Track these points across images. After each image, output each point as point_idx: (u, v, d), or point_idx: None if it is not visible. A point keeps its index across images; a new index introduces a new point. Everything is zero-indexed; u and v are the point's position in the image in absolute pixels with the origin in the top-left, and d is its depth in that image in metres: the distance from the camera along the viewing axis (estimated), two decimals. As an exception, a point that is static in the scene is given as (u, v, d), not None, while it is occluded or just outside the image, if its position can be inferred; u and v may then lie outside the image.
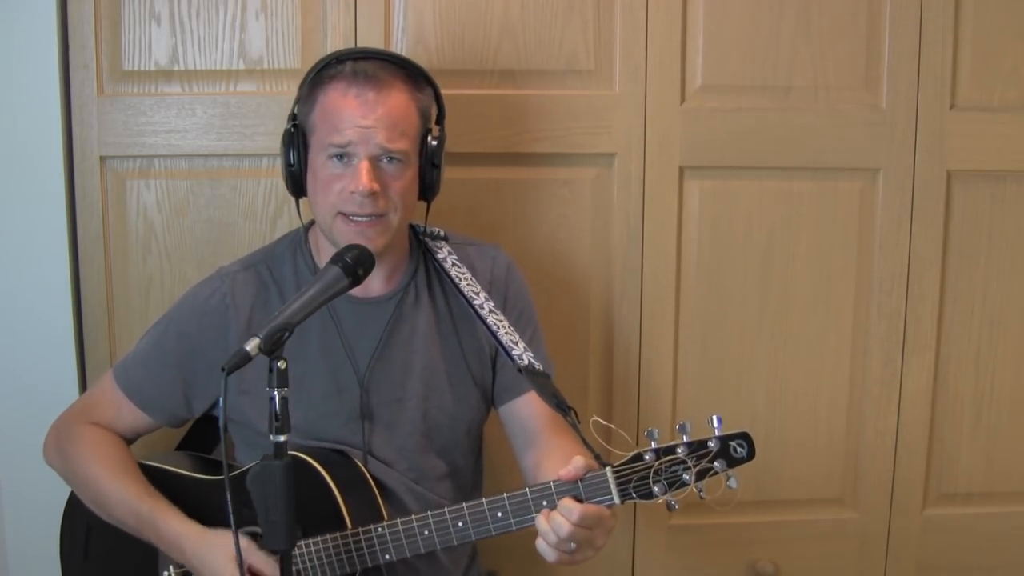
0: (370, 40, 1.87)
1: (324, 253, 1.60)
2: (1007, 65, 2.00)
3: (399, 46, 1.90)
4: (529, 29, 1.92)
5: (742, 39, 1.95)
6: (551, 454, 1.53)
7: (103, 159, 1.89)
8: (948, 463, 2.12)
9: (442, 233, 1.69)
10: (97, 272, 1.91)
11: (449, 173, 1.91)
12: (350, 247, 1.41)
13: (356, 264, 1.38)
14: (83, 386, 1.92)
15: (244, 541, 1.42)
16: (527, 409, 1.64)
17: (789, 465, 2.09)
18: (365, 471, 1.55)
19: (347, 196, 1.49)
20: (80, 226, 1.90)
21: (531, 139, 1.93)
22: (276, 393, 1.26)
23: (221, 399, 1.24)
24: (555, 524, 1.33)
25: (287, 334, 1.28)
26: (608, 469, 1.35)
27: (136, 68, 1.87)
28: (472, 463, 1.71)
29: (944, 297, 2.06)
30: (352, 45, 1.86)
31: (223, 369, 1.24)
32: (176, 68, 1.88)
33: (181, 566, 1.56)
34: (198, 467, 1.64)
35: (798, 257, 2.03)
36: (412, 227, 1.69)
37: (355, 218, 1.50)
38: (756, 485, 2.08)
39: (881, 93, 1.99)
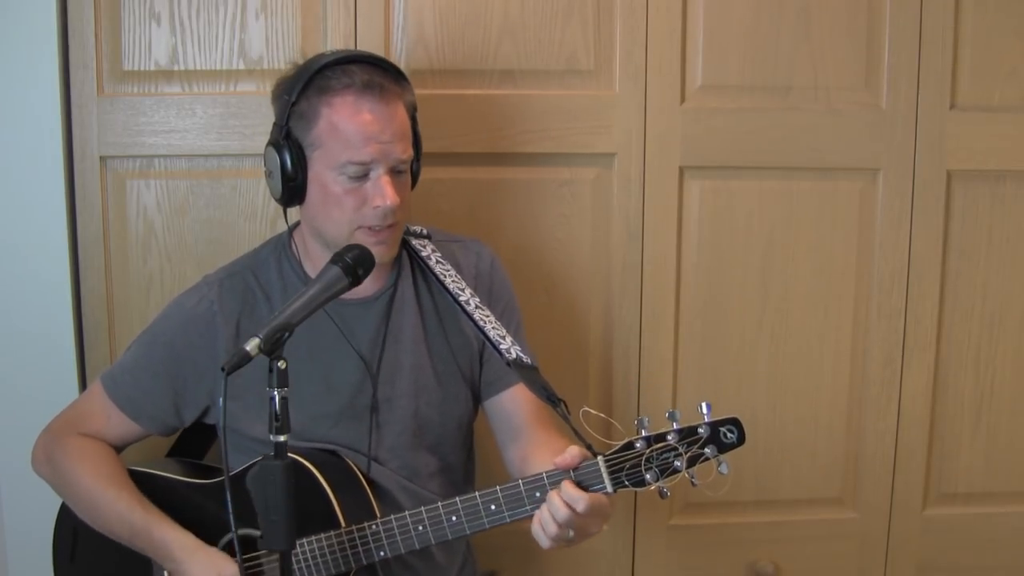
0: (370, 40, 1.87)
1: (312, 257, 1.61)
2: (1007, 65, 2.00)
3: (399, 46, 1.90)
4: (529, 29, 1.92)
5: (742, 39, 1.95)
6: (538, 448, 1.53)
7: (103, 159, 1.89)
8: (948, 463, 2.12)
9: (425, 231, 1.70)
10: (97, 272, 1.91)
11: (449, 173, 1.93)
12: (350, 247, 1.41)
13: (356, 264, 1.38)
14: (83, 386, 1.92)
15: (232, 568, 1.45)
16: (512, 403, 1.64)
17: (789, 465, 2.09)
18: (356, 470, 1.56)
19: (369, 211, 1.49)
20: (80, 226, 1.90)
21: (531, 139, 1.93)
22: (276, 393, 1.26)
23: (221, 400, 1.25)
24: (554, 508, 1.33)
25: (287, 334, 1.28)
26: (600, 458, 1.35)
27: (136, 68, 1.87)
28: (464, 459, 1.72)
29: (944, 297, 2.06)
30: (352, 45, 1.86)
31: (223, 369, 1.24)
32: (176, 68, 1.88)
33: None
34: (190, 473, 1.64)
35: (798, 257, 2.03)
36: None
37: (376, 228, 1.51)
38: (756, 485, 2.09)
39: (881, 93, 1.99)
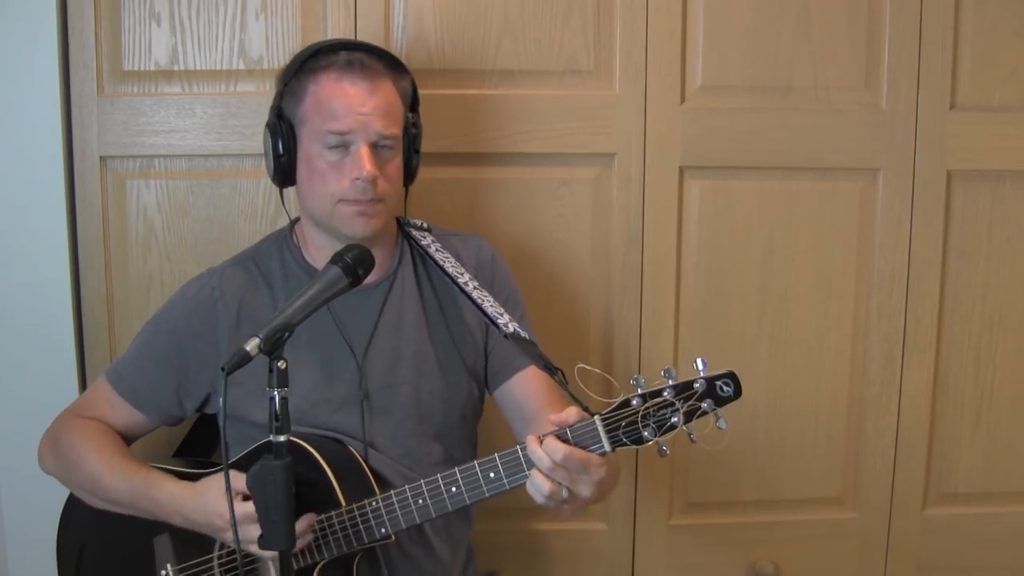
0: (370, 39, 1.86)
1: (312, 247, 1.64)
2: (1007, 65, 2.00)
3: (399, 45, 1.90)
4: (529, 29, 1.92)
5: (742, 39, 1.95)
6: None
7: (103, 159, 1.89)
8: (948, 463, 2.12)
9: (425, 225, 1.72)
10: (97, 272, 1.91)
11: (449, 173, 1.93)
12: (350, 247, 1.42)
13: (356, 264, 1.39)
14: (83, 385, 1.92)
15: (232, 471, 1.40)
16: (522, 388, 1.65)
17: (789, 465, 2.09)
18: (358, 456, 1.56)
19: (348, 183, 1.52)
20: (80, 226, 1.90)
21: (531, 139, 1.93)
22: (276, 393, 1.27)
23: (221, 399, 1.25)
24: (537, 457, 1.33)
25: (287, 334, 1.28)
26: (596, 417, 1.35)
27: (136, 68, 1.88)
28: (469, 455, 1.71)
29: (944, 297, 2.06)
30: (352, 45, 1.87)
31: (223, 369, 1.24)
32: (176, 68, 1.88)
33: (177, 565, 1.57)
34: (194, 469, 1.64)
35: (798, 257, 2.03)
36: (396, 219, 1.71)
37: (357, 200, 1.53)
38: (756, 485, 2.09)
39: (881, 93, 1.99)
